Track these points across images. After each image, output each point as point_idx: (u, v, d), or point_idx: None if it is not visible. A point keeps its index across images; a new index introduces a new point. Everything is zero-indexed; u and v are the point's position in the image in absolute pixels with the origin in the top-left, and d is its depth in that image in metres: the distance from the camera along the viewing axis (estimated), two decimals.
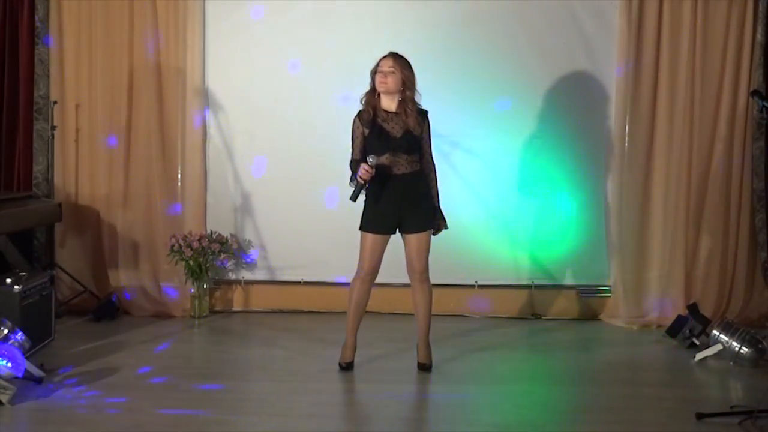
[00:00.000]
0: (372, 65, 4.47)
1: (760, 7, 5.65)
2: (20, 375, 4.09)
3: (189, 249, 5.67)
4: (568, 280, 5.96)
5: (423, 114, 4.49)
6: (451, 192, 5.45)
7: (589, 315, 5.95)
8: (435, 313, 4.64)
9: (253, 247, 6.00)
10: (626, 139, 5.76)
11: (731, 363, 4.76)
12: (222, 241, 5.83)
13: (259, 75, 5.94)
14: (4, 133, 5.91)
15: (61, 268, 5.81)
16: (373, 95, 4.46)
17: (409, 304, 4.70)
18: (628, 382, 4.53)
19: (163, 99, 5.89)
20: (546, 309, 5.97)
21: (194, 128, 5.89)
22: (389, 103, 4.45)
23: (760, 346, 4.75)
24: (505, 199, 5.91)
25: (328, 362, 4.67)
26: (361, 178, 4.30)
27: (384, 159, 4.38)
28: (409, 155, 4.43)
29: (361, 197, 4.41)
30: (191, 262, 5.71)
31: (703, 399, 4.19)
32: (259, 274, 6.04)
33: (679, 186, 5.74)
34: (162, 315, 5.83)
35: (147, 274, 5.92)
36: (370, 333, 4.68)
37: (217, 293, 6.07)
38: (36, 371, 4.21)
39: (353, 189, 4.35)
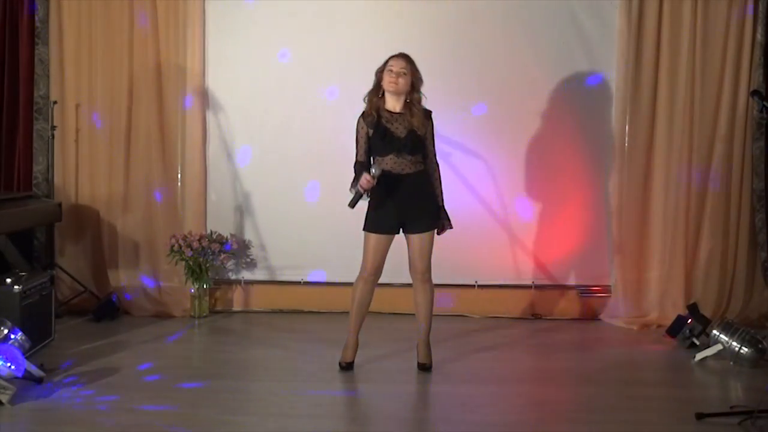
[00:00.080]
0: (376, 65, 4.46)
1: (760, 7, 5.66)
2: (20, 375, 4.09)
3: (189, 249, 5.67)
4: (568, 280, 5.96)
5: (427, 114, 4.49)
6: (451, 192, 5.43)
7: (589, 315, 5.95)
8: (435, 314, 4.63)
9: (253, 246, 6.01)
10: (626, 139, 5.77)
11: (731, 363, 4.76)
12: (222, 241, 5.83)
13: (259, 75, 5.93)
14: (4, 133, 5.91)
15: (61, 268, 5.81)
16: (377, 94, 4.46)
17: (409, 304, 4.70)
18: (628, 382, 4.53)
19: (163, 99, 5.89)
20: (546, 309, 5.97)
21: (194, 128, 5.89)
22: (394, 104, 4.45)
23: (760, 346, 4.75)
24: (505, 199, 5.91)
25: (328, 362, 4.67)
26: (361, 187, 4.31)
27: (388, 160, 4.38)
28: (413, 156, 4.43)
29: (362, 203, 4.39)
30: (191, 262, 5.72)
31: (703, 399, 4.19)
32: (259, 274, 6.05)
33: (679, 186, 5.74)
34: (162, 315, 5.83)
35: (147, 274, 5.92)
36: (370, 333, 4.68)
37: (217, 293, 6.08)
38: (36, 371, 4.21)
39: (352, 196, 4.35)
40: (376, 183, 4.33)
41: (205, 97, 5.92)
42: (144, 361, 4.69)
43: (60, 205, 5.71)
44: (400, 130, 4.42)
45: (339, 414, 4.07)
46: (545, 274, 5.94)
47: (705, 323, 5.16)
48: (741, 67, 5.70)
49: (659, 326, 5.63)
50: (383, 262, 4.51)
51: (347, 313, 4.64)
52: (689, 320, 5.21)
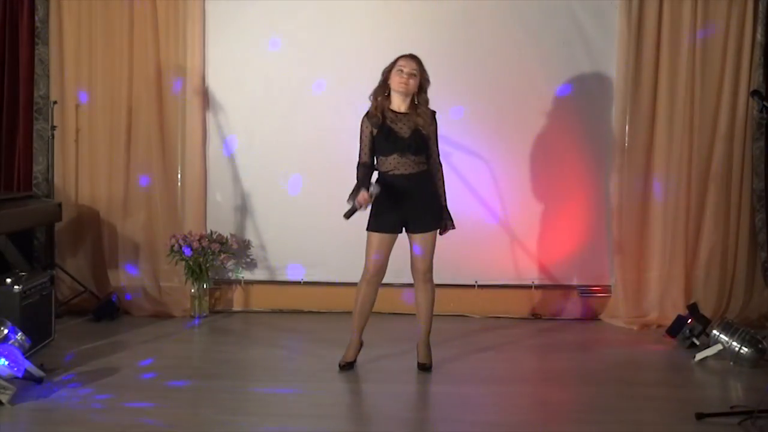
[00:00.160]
0: (384, 66, 4.46)
1: (760, 7, 5.66)
2: (20, 375, 4.09)
3: (189, 249, 5.67)
4: (569, 280, 5.95)
5: (433, 115, 4.49)
6: (452, 192, 5.43)
7: (589, 315, 5.94)
8: (435, 314, 4.63)
9: (253, 246, 6.02)
10: (626, 139, 5.77)
11: (731, 363, 4.76)
12: (222, 241, 5.83)
13: (259, 75, 5.93)
14: (4, 133, 5.91)
15: (61, 268, 5.81)
16: (383, 93, 4.46)
17: (409, 304, 4.69)
18: (628, 382, 4.52)
19: (163, 99, 5.89)
20: (546, 309, 5.97)
21: (194, 128, 5.89)
22: (400, 104, 4.45)
23: (760, 346, 4.75)
24: (505, 198, 5.91)
25: (329, 362, 4.66)
26: (358, 203, 4.31)
27: (392, 160, 4.39)
28: (417, 156, 4.43)
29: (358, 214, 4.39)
30: (191, 262, 5.72)
31: (703, 399, 4.19)
32: (259, 274, 6.04)
33: (679, 186, 5.74)
34: (162, 315, 5.83)
35: (147, 274, 5.92)
36: (370, 333, 4.67)
37: (217, 293, 6.07)
38: (36, 371, 4.21)
39: (349, 207, 4.34)
40: (380, 184, 4.35)
41: (205, 97, 5.92)
42: (143, 361, 4.69)
43: (60, 205, 5.71)
44: (404, 130, 4.42)
45: (339, 414, 4.06)
46: (545, 274, 5.94)
47: (705, 323, 5.16)
48: (741, 67, 5.70)
49: (659, 326, 5.63)
50: (386, 263, 4.50)
51: (348, 313, 4.64)
52: (689, 320, 5.21)
